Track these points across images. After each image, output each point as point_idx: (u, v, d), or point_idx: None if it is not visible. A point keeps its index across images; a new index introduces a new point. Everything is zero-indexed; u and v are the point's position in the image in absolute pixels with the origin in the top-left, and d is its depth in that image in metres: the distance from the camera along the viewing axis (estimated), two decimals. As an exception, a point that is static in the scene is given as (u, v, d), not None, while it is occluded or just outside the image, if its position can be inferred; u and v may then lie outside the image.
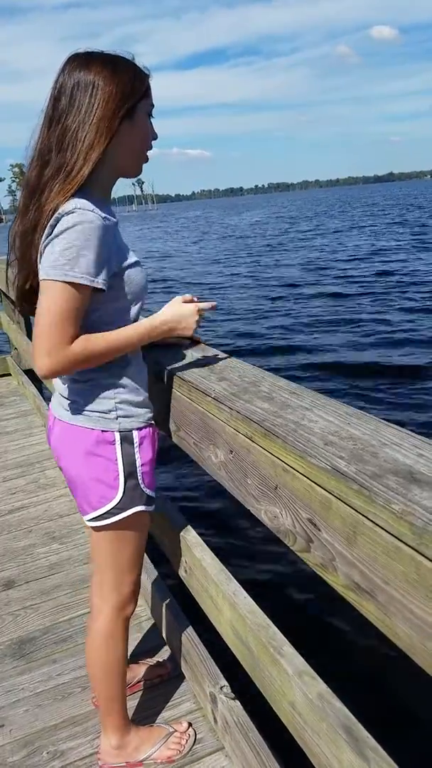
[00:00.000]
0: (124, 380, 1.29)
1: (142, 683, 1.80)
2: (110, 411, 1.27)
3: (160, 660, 1.90)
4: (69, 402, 1.29)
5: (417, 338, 8.50)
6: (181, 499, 4.24)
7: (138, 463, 1.29)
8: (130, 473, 1.28)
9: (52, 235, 1.10)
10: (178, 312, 1.31)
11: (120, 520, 1.30)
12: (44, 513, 2.97)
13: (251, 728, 1.42)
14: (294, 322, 10.03)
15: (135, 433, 1.30)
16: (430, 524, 0.64)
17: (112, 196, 1.31)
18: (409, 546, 0.66)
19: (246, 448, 1.05)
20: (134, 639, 2.02)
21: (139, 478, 1.30)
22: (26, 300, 1.28)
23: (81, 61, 1.16)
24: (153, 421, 1.36)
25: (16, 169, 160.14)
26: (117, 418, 1.27)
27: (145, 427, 1.32)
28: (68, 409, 1.29)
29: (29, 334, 4.72)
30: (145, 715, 1.70)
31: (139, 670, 1.82)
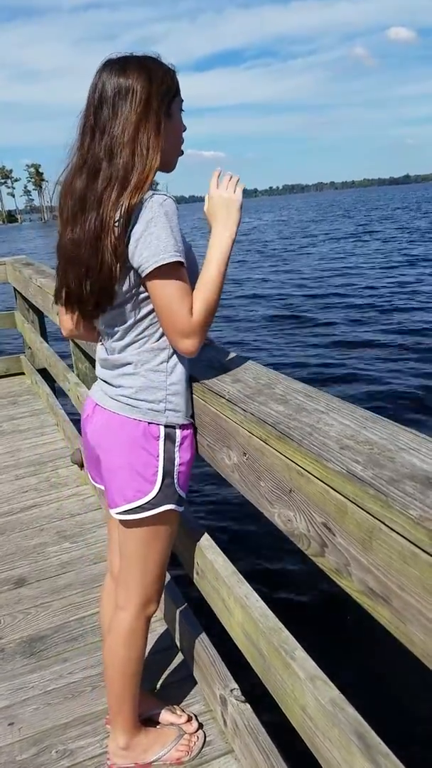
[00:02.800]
0: (174, 374, 1.31)
1: (156, 722, 1.64)
2: (160, 402, 1.29)
3: (190, 715, 1.67)
4: (116, 390, 1.31)
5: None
6: (195, 502, 4.24)
7: (177, 462, 1.31)
8: (168, 471, 1.30)
9: (139, 226, 1.14)
10: (223, 212, 1.27)
11: (150, 516, 1.31)
12: (56, 512, 2.98)
13: (261, 732, 1.41)
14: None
15: (178, 432, 1.32)
16: (448, 531, 0.63)
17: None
18: (427, 552, 0.65)
19: (260, 451, 1.04)
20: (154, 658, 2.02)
21: (175, 477, 1.32)
22: (102, 303, 1.23)
23: (117, 66, 1.19)
24: (193, 420, 1.38)
25: (32, 170, 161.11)
26: (165, 411, 1.29)
27: (187, 426, 1.35)
28: (115, 398, 1.31)
29: (43, 334, 4.75)
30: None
31: (157, 706, 1.67)
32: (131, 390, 1.29)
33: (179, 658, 1.93)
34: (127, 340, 1.28)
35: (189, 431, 1.35)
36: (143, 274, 1.17)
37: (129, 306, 1.23)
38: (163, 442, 1.29)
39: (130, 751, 1.50)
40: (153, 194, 1.15)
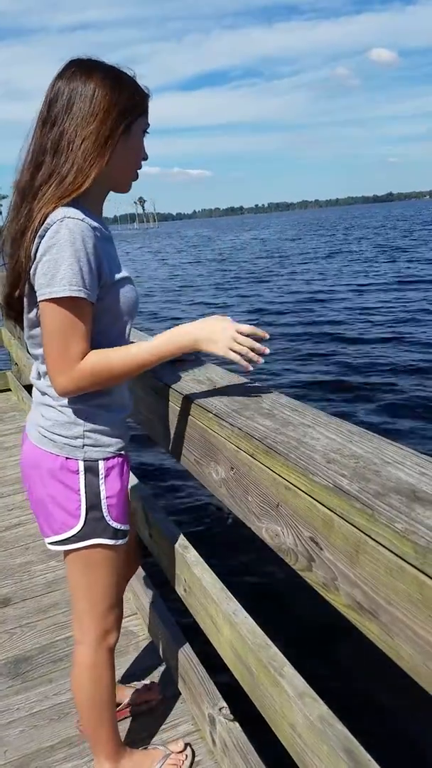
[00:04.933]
0: (97, 408, 1.24)
1: (129, 709, 1.75)
2: (77, 438, 1.22)
3: (148, 683, 1.84)
4: (39, 424, 1.25)
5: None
6: (181, 517, 4.22)
7: (103, 494, 1.24)
8: (93, 505, 1.24)
9: (42, 249, 1.08)
10: (207, 323, 1.17)
11: (82, 548, 1.26)
12: (42, 529, 2.95)
13: (250, 751, 1.39)
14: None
15: (101, 464, 1.24)
16: (433, 543, 0.63)
17: (114, 215, 1.30)
18: (413, 565, 0.65)
19: (247, 465, 1.05)
20: (131, 658, 2.00)
21: (104, 510, 1.25)
22: (12, 307, 1.22)
23: (82, 68, 1.14)
24: (123, 451, 1.31)
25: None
26: (83, 447, 1.22)
27: (113, 457, 1.27)
28: (36, 429, 1.25)
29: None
30: (142, 737, 1.67)
31: (125, 694, 1.76)
32: (48, 423, 1.23)
33: (166, 675, 1.90)
34: (45, 366, 1.18)
35: (116, 460, 1.27)
36: (36, 301, 1.11)
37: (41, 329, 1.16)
38: (83, 476, 1.23)
39: (116, 775, 1.47)
40: (65, 217, 1.07)
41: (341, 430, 0.99)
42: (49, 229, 1.07)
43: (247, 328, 1.16)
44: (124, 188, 1.26)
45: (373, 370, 7.99)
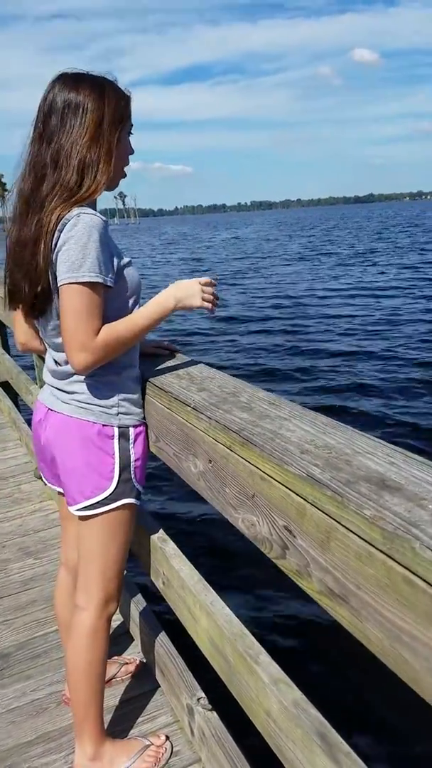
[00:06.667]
0: (126, 380, 1.38)
1: (112, 681, 1.85)
2: (112, 407, 1.36)
3: (128, 657, 1.94)
4: (70, 396, 1.36)
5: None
6: (160, 510, 4.23)
7: (132, 458, 1.39)
8: (124, 467, 1.37)
9: (62, 241, 1.19)
10: (179, 285, 1.36)
11: (110, 510, 1.37)
12: (18, 528, 2.93)
13: (228, 739, 1.42)
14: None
15: (131, 430, 1.39)
16: (400, 529, 0.66)
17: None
18: (380, 551, 0.68)
19: (225, 458, 1.07)
20: (110, 652, 2.01)
21: (132, 472, 1.39)
22: (38, 304, 1.31)
23: (70, 81, 1.25)
24: (145, 420, 1.44)
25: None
26: (118, 414, 1.36)
27: (140, 425, 1.42)
28: (69, 402, 1.36)
29: (5, 346, 4.69)
30: (122, 729, 1.69)
31: (109, 669, 1.83)
32: (84, 395, 1.34)
33: (145, 668, 1.92)
34: (63, 354, 1.31)
35: (142, 428, 1.43)
36: (58, 287, 1.22)
37: None
38: (117, 441, 1.36)
39: (96, 762, 1.48)
40: (81, 213, 1.20)
41: (316, 422, 1.02)
42: (67, 223, 1.19)
43: (205, 279, 1.38)
44: (114, 186, 1.37)
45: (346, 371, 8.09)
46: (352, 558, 0.73)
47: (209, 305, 1.38)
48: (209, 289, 1.38)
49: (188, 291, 1.36)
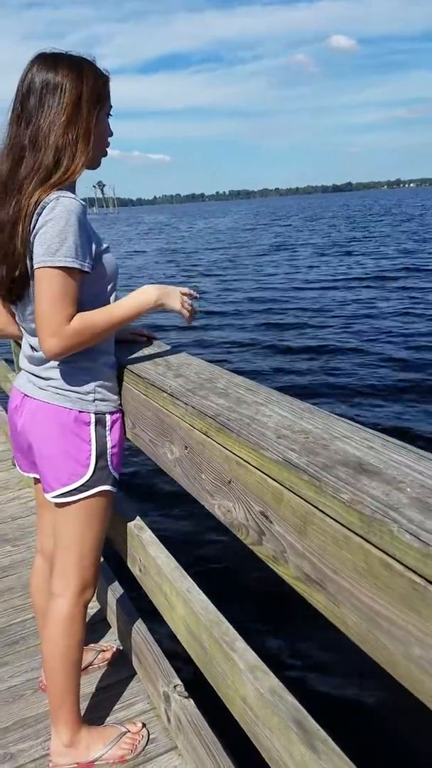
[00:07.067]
0: (102, 366, 1.36)
1: (89, 668, 1.85)
2: (89, 393, 1.34)
3: (105, 645, 1.94)
4: (46, 382, 1.33)
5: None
6: (137, 498, 4.21)
7: (109, 444, 1.37)
8: (101, 454, 1.36)
9: (40, 224, 1.17)
10: (161, 287, 1.36)
11: (87, 497, 1.35)
12: (-4, 515, 2.90)
13: (204, 726, 1.41)
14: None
15: (108, 417, 1.37)
16: (377, 513, 0.65)
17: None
18: (358, 535, 0.67)
19: (201, 444, 1.05)
20: (87, 639, 1.99)
21: (109, 459, 1.37)
22: (15, 289, 1.28)
23: (48, 61, 1.23)
24: (122, 407, 1.42)
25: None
26: (94, 401, 1.35)
27: (116, 411, 1.40)
28: (45, 388, 1.33)
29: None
30: (98, 716, 1.67)
31: (86, 656, 1.84)
32: (60, 381, 1.32)
33: (121, 655, 1.91)
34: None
35: (118, 415, 1.41)
36: (34, 270, 1.19)
37: None
38: (94, 427, 1.34)
39: (72, 749, 1.47)
40: (60, 196, 1.17)
41: (293, 407, 1.00)
42: (45, 207, 1.17)
43: (186, 289, 1.39)
44: (95, 165, 1.36)
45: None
46: (330, 543, 0.72)
47: (187, 313, 1.39)
48: (188, 300, 1.39)
49: (170, 294, 1.35)
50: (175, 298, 1.35)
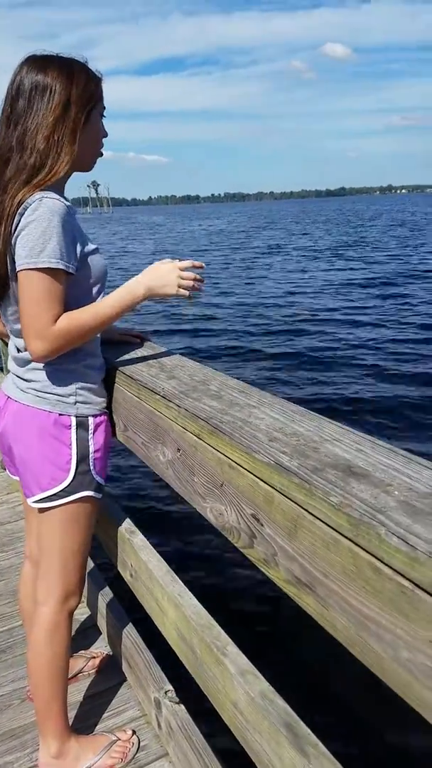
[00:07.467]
0: (86, 368, 1.34)
1: (79, 675, 1.83)
2: (69, 395, 1.31)
3: (95, 651, 1.93)
4: (28, 384, 1.32)
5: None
6: (128, 502, 4.20)
7: (91, 449, 1.34)
8: (82, 458, 1.32)
9: (22, 225, 1.16)
10: (153, 271, 1.30)
11: (68, 503, 1.32)
12: (-14, 520, 2.88)
13: (195, 732, 1.40)
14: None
15: (90, 420, 1.34)
16: (365, 516, 0.65)
17: (67, 199, 1.34)
18: (347, 537, 0.67)
19: (193, 446, 1.05)
20: (77, 645, 1.98)
21: (91, 464, 1.34)
22: None
23: (38, 63, 1.22)
24: (107, 410, 1.41)
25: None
26: (75, 404, 1.32)
27: (100, 414, 1.37)
28: (26, 390, 1.32)
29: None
30: (88, 725, 1.66)
31: (76, 663, 1.82)
32: (41, 384, 1.30)
33: (112, 661, 1.89)
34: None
35: (102, 418, 1.38)
36: (16, 272, 1.18)
37: None
38: (75, 431, 1.31)
39: (61, 760, 1.45)
40: (43, 197, 1.16)
41: (285, 410, 1.00)
42: (28, 207, 1.16)
43: (186, 263, 1.32)
44: (88, 168, 1.35)
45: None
46: (319, 546, 0.72)
47: (186, 293, 1.31)
48: (189, 274, 1.31)
49: (163, 279, 1.29)
50: (169, 283, 1.29)
